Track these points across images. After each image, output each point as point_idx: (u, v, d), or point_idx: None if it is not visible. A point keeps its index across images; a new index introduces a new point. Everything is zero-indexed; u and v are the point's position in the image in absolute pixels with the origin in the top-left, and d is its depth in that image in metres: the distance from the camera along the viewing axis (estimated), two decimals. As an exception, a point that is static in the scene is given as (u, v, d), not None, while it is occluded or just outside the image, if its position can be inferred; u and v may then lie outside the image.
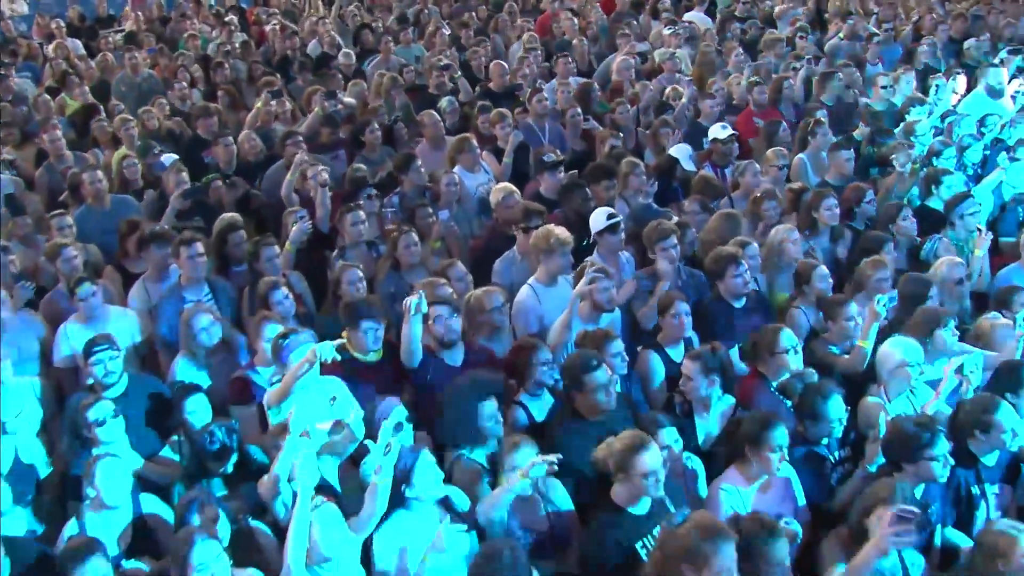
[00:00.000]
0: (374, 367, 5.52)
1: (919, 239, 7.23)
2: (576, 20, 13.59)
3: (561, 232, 6.15)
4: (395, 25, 13.64)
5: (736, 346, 5.99)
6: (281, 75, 11.35)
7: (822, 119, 8.88)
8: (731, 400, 5.36)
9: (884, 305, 5.50)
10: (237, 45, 12.47)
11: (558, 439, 4.93)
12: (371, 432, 4.75)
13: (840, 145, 8.35)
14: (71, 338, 6.06)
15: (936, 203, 7.73)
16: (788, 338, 5.46)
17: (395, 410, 4.82)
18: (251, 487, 4.73)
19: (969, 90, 10.52)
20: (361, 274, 6.19)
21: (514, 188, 7.34)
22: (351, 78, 11.31)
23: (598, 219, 6.52)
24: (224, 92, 10.67)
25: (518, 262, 6.71)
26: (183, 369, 5.74)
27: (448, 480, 4.73)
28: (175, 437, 5.22)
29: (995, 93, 10.24)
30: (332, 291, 6.24)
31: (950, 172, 8.02)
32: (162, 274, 6.66)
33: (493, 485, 4.80)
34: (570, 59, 11.14)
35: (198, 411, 5.19)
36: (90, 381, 5.48)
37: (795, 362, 5.47)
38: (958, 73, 10.69)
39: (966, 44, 12.26)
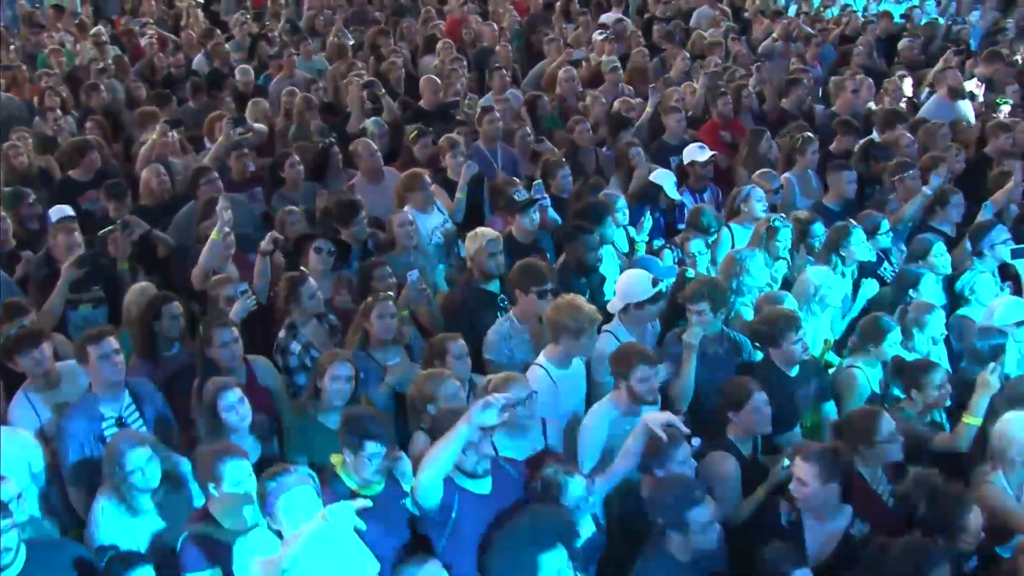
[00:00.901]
0: (376, 498, 4.16)
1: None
2: (494, 25, 12.39)
3: (590, 309, 4.95)
4: (287, 35, 12.09)
5: (797, 425, 5.04)
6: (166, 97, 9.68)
7: (810, 135, 7.96)
8: (848, 509, 4.28)
9: (998, 375, 4.57)
10: (110, 61, 10.60)
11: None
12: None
13: (841, 164, 7.46)
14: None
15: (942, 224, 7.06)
16: (889, 425, 4.45)
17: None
18: None
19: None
20: (352, 369, 4.82)
21: (497, 234, 6.03)
22: (249, 97, 9.77)
23: (639, 286, 5.28)
24: (94, 123, 8.85)
25: (516, 332, 5.45)
26: (110, 518, 4.20)
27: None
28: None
29: (957, 95, 9.63)
30: (313, 385, 4.87)
31: (956, 192, 7.26)
32: (46, 382, 4.98)
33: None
34: (505, 71, 9.89)
35: (143, 592, 3.76)
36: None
37: (897, 453, 4.48)
38: (903, 76, 10.16)
39: (900, 44, 11.75)
